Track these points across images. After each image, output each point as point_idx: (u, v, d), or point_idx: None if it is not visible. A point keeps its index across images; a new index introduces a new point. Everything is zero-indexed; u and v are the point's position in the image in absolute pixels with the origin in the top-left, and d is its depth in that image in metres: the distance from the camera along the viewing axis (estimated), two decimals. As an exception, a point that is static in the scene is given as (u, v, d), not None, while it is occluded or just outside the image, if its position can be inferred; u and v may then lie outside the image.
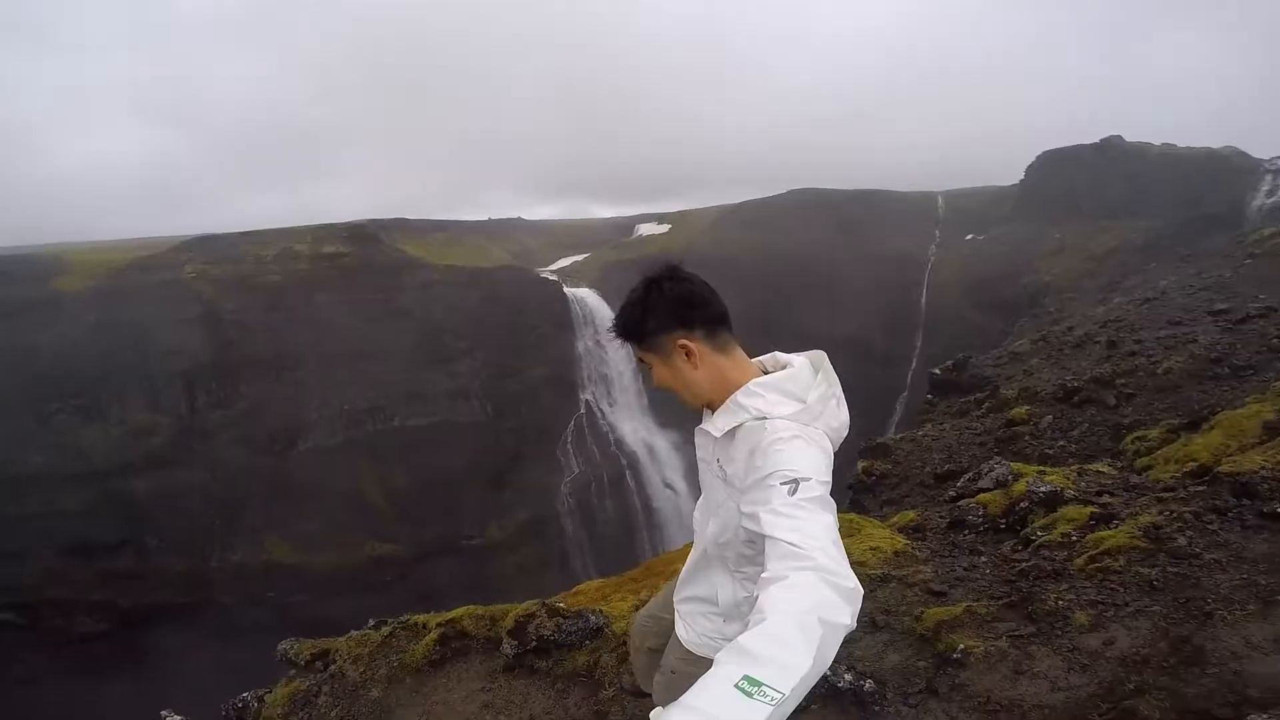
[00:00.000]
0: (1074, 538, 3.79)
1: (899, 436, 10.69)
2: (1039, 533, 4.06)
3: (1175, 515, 3.71)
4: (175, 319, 38.15)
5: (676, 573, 2.08)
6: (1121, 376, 9.91)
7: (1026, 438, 9.20)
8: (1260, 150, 39.53)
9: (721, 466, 1.69)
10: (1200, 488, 4.13)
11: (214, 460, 37.76)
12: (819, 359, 1.72)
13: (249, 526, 37.30)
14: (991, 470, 5.15)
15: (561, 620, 3.74)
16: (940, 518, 5.30)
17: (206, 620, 34.22)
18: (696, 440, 1.81)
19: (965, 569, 3.78)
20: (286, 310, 40.69)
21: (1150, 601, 3.00)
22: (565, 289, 48.15)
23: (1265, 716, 2.21)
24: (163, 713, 3.89)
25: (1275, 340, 9.93)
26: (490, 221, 63.65)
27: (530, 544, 40.77)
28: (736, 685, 0.99)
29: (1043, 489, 4.42)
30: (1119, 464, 6.24)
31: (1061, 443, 8.95)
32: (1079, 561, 3.46)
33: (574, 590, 6.13)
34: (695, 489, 2.03)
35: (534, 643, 3.63)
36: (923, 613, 3.21)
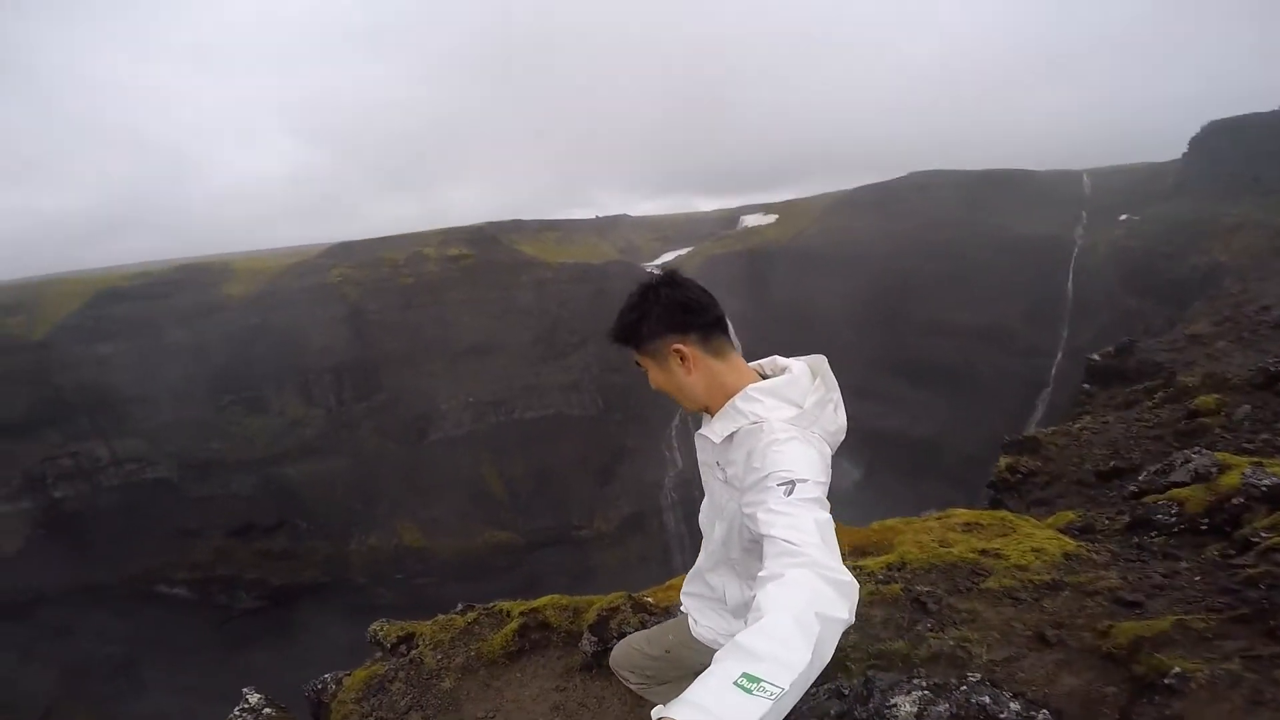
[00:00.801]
0: (1315, 542, 2.97)
1: (1051, 430, 9.46)
2: (1262, 534, 3.24)
3: None
4: (325, 319, 42.29)
5: None
6: (1343, 359, 8.14)
7: (1217, 430, 7.74)
8: None
9: (722, 469, 1.71)
10: None
11: (357, 449, 41.45)
12: (818, 363, 1.72)
13: (384, 512, 40.54)
14: (1187, 462, 4.26)
15: (647, 617, 3.43)
16: (1111, 518, 4.49)
17: (343, 599, 37.42)
18: (697, 444, 1.83)
19: (1163, 575, 3.07)
20: (419, 309, 43.95)
21: None
22: (670, 283, 48.38)
23: None
24: (244, 690, 3.95)
25: None
26: (598, 219, 65.08)
27: (633, 537, 41.26)
28: (735, 682, 1.00)
29: (1265, 483, 3.55)
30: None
31: (1265, 436, 7.45)
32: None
33: (665, 584, 5.84)
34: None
35: (615, 640, 3.25)
36: (1111, 627, 2.60)
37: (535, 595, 4.81)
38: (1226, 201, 37.48)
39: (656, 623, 3.42)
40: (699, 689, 1.01)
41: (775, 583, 1.20)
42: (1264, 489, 3.53)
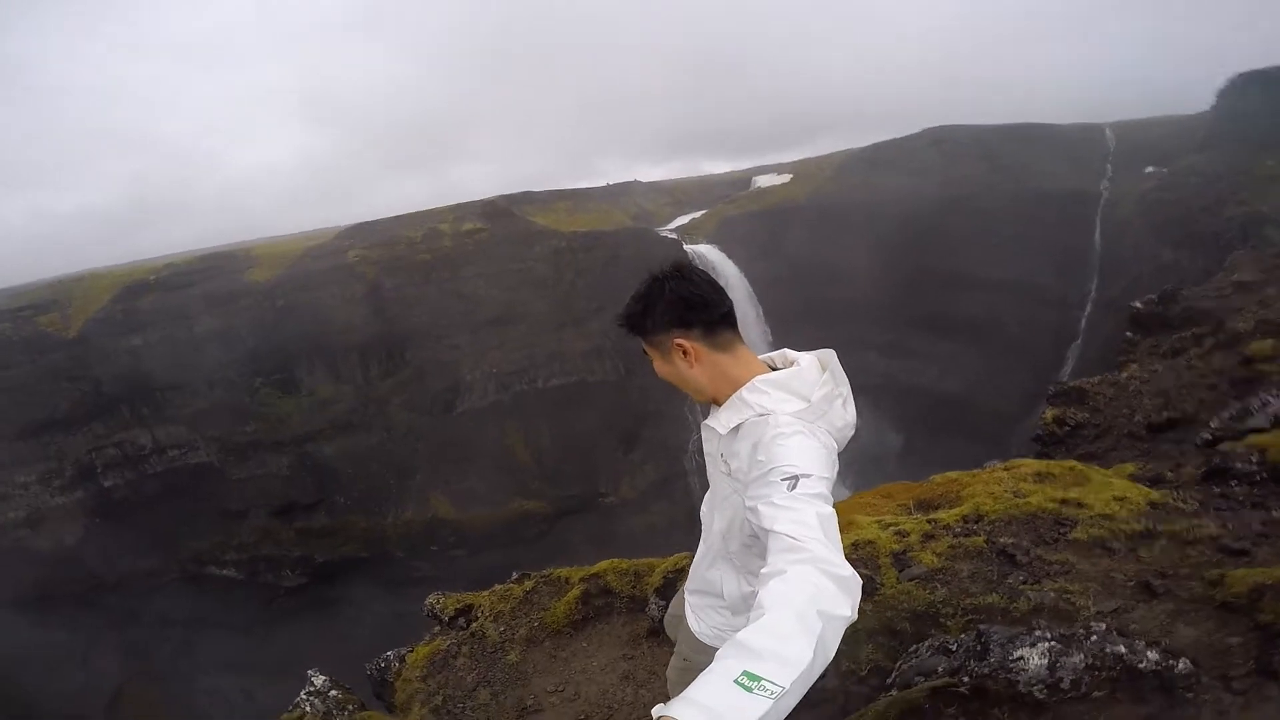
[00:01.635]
0: None
1: (1097, 379, 9.31)
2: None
3: None
4: (346, 298, 42.70)
5: None
6: None
7: (1275, 376, 7.64)
8: None
9: (726, 461, 1.70)
10: None
11: (388, 423, 42.22)
12: (827, 357, 1.72)
13: (417, 485, 41.43)
14: (1265, 406, 4.21)
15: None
16: (1174, 470, 4.44)
17: (382, 572, 38.52)
18: (702, 435, 1.83)
19: (1263, 524, 3.08)
20: (438, 284, 44.22)
21: None
22: (685, 245, 48.23)
23: None
24: (309, 671, 3.94)
25: None
26: (609, 186, 64.41)
27: (658, 503, 41.83)
28: (736, 680, 1.00)
29: (1356, 428, 3.52)
30: None
31: (1327, 381, 7.32)
32: None
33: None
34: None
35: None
36: (1222, 576, 2.62)
37: (567, 563, 4.77)
38: (1261, 153, 36.37)
39: None
40: (700, 687, 1.01)
41: (778, 579, 1.20)
42: (1356, 434, 3.50)
